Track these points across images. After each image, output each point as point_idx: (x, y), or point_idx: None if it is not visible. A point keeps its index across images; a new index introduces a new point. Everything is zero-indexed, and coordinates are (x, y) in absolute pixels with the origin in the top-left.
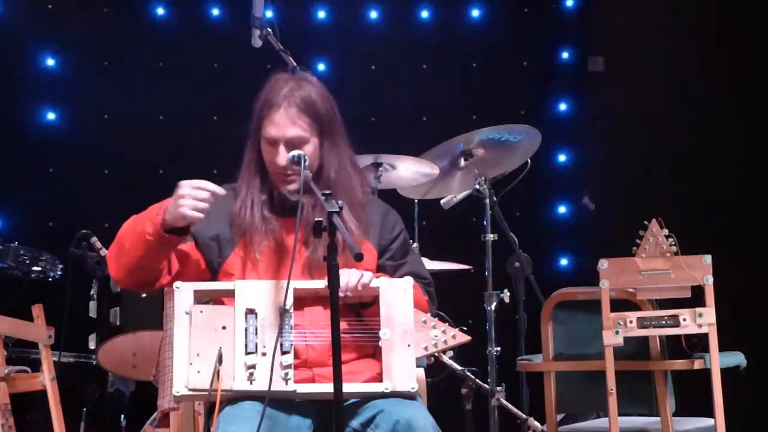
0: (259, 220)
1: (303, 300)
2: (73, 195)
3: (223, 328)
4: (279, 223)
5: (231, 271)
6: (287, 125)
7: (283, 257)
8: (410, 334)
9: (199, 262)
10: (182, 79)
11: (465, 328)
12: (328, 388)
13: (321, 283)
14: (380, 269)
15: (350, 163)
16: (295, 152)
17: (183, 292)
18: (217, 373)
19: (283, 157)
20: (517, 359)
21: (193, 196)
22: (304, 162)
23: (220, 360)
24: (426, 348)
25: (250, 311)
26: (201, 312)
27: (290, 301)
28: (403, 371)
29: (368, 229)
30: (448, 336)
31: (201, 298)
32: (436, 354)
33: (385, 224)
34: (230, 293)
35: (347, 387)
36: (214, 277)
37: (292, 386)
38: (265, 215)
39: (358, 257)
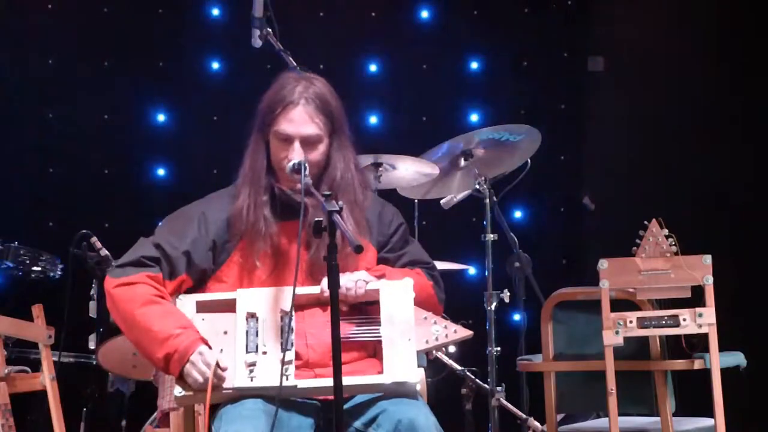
0: (260, 222)
1: (303, 304)
2: (73, 195)
3: (225, 333)
4: (278, 227)
5: (225, 279)
6: (305, 122)
7: (281, 262)
8: (411, 330)
9: (185, 283)
10: (182, 78)
11: (466, 322)
12: (328, 382)
13: (317, 289)
14: (381, 261)
15: (354, 163)
16: (295, 160)
17: (185, 304)
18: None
19: (298, 154)
20: (517, 359)
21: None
22: (305, 170)
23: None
24: (427, 341)
25: (251, 315)
26: (203, 320)
27: (290, 303)
28: (404, 363)
29: (367, 229)
30: (450, 330)
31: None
32: (438, 350)
33: (381, 221)
34: (231, 303)
35: (348, 380)
36: (202, 284)
37: (292, 381)
38: (266, 217)
39: (358, 249)
